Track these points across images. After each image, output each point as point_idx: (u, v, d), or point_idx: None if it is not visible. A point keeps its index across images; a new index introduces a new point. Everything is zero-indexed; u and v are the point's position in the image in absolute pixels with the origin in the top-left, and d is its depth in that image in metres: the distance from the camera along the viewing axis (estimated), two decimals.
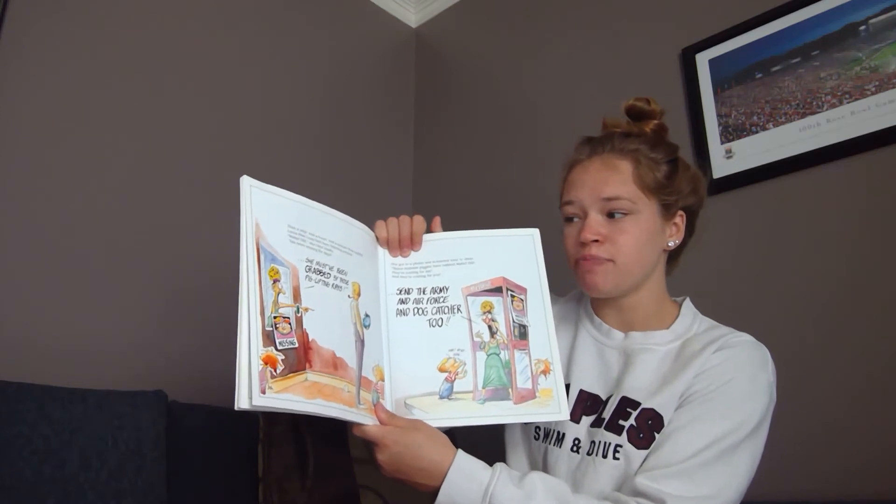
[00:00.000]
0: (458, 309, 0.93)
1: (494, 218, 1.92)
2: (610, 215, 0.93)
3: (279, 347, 0.73)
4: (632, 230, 0.92)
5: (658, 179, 0.94)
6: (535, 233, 0.99)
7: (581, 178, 0.96)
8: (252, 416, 1.39)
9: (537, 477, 0.81)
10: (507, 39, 2.10)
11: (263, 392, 0.69)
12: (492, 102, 2.08)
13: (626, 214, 0.92)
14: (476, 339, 0.91)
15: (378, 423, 0.80)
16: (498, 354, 0.90)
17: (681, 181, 0.97)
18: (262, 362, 0.71)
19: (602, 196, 0.93)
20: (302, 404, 0.72)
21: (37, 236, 1.40)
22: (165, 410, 1.27)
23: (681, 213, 0.98)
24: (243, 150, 1.80)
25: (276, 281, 0.77)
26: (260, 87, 1.88)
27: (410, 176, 2.26)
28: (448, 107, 2.23)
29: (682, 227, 0.98)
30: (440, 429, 0.84)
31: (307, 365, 0.75)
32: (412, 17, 2.43)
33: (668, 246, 0.97)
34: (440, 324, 0.92)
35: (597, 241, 0.92)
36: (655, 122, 1.00)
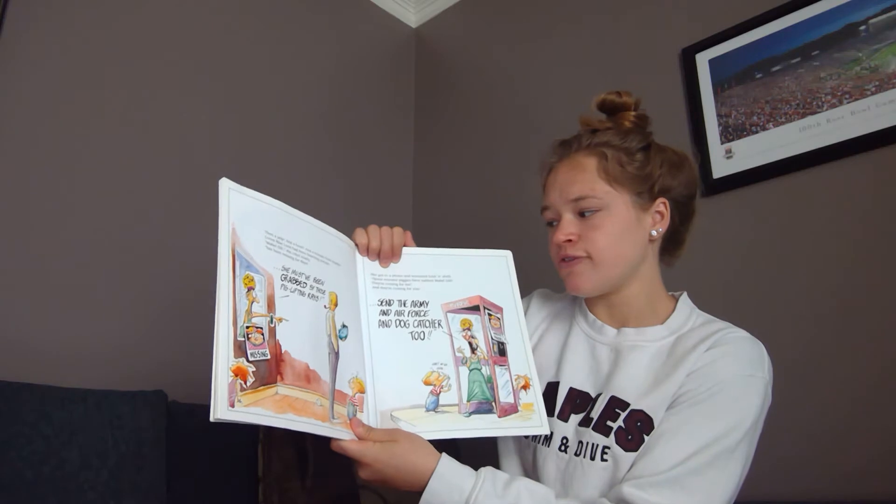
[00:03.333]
0: (439, 324, 0.93)
1: (495, 218, 1.92)
2: (581, 214, 0.93)
3: (251, 359, 0.71)
4: (604, 225, 0.92)
5: (627, 170, 0.93)
6: (508, 255, 1.02)
7: (552, 183, 0.98)
8: None
9: (522, 485, 0.79)
10: (506, 39, 2.10)
11: (232, 405, 0.67)
12: (492, 102, 2.08)
13: (596, 211, 0.92)
14: (458, 354, 0.91)
15: (355, 437, 0.78)
16: (480, 369, 0.91)
17: (654, 166, 0.95)
18: (231, 374, 0.68)
19: (570, 198, 0.94)
20: (271, 419, 0.70)
21: (37, 236, 1.40)
22: (165, 410, 1.27)
23: (662, 199, 0.96)
24: (244, 150, 1.80)
25: (250, 289, 0.74)
26: (260, 87, 1.88)
27: (410, 175, 2.25)
28: (448, 106, 2.23)
29: (667, 213, 0.96)
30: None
31: (278, 377, 0.73)
32: (412, 17, 2.43)
33: (651, 235, 0.96)
34: (422, 337, 0.92)
35: (570, 240, 0.93)
36: (633, 113, 0.99)
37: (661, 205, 0.96)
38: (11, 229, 1.37)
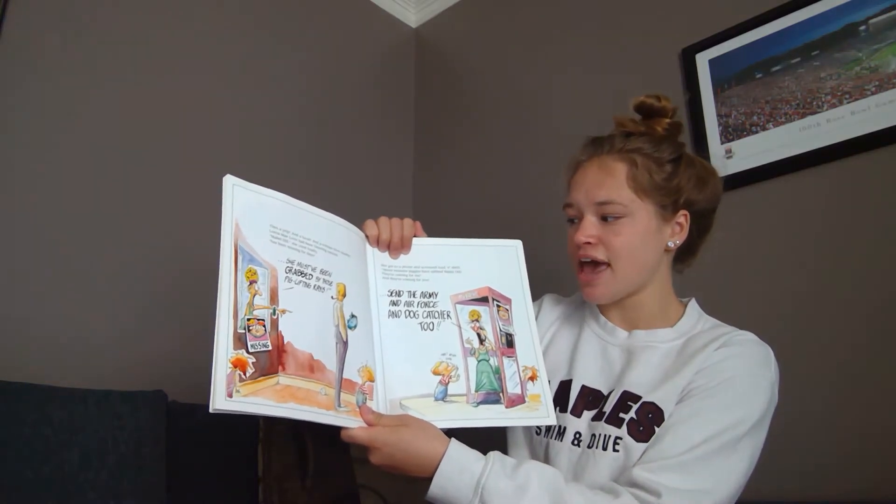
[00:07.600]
0: (448, 315, 0.94)
1: (495, 218, 1.92)
2: (604, 218, 0.94)
3: (251, 350, 0.72)
4: (625, 232, 0.93)
5: (654, 181, 0.94)
6: (518, 244, 1.02)
7: (579, 181, 0.98)
8: (252, 417, 1.39)
9: (532, 467, 0.80)
10: (507, 39, 2.10)
11: (230, 395, 0.68)
12: (492, 102, 2.08)
13: (619, 217, 0.93)
14: (466, 345, 0.92)
15: (365, 425, 0.80)
16: (488, 360, 0.92)
17: (682, 179, 0.96)
18: (230, 365, 0.70)
19: (595, 200, 0.94)
20: (271, 408, 0.71)
21: (37, 236, 1.40)
22: (165, 410, 1.28)
23: (684, 211, 0.97)
24: (243, 149, 1.80)
25: (252, 282, 0.76)
26: (259, 87, 1.88)
27: (410, 176, 2.25)
28: (448, 107, 2.23)
29: (686, 226, 0.97)
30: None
31: (280, 368, 0.74)
32: (412, 17, 2.43)
33: (668, 246, 0.97)
34: (431, 328, 0.93)
35: (589, 242, 0.94)
36: (667, 120, 0.99)
37: (682, 217, 0.97)
38: (11, 229, 1.37)
